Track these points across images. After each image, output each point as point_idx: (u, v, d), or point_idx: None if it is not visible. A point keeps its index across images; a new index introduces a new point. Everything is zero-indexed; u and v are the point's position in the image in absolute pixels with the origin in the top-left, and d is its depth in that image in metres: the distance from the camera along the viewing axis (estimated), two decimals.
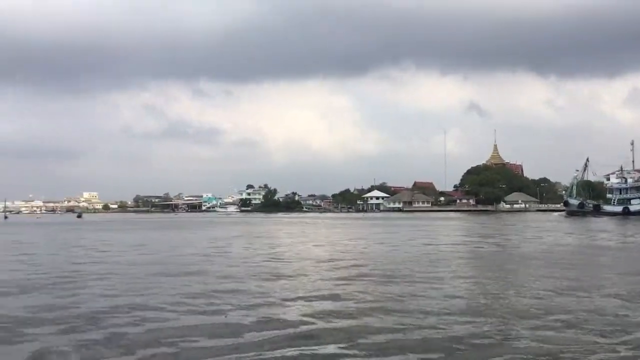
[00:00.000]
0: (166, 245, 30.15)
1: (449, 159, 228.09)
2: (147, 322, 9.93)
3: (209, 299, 12.23)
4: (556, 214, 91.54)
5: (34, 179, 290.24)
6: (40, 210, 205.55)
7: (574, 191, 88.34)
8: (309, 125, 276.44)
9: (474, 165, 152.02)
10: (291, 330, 9.19)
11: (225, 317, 10.34)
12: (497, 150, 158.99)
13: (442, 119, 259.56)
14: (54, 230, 54.13)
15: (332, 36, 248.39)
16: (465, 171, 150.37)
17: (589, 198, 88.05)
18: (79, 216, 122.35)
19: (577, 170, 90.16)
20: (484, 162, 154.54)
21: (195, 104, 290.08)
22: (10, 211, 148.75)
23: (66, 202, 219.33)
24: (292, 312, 10.74)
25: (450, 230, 45.80)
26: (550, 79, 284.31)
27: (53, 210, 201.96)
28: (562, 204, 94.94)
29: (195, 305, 11.49)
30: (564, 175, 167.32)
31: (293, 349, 8.07)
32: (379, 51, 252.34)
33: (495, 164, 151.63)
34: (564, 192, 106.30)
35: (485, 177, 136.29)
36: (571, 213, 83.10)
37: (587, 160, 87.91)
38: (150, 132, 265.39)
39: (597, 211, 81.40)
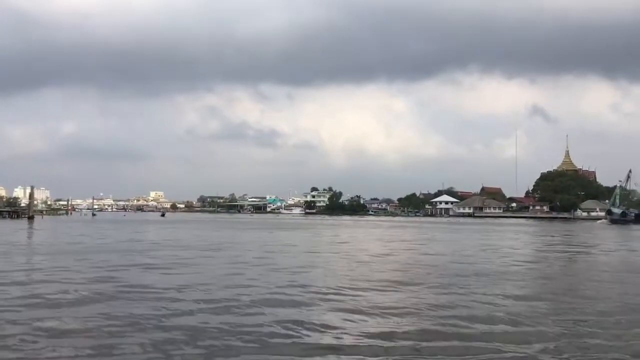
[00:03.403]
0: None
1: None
2: None
3: None
4: (599, 222, 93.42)
5: (102, 178, 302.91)
6: (111, 209, 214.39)
7: (617, 200, 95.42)
8: (369, 129, 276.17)
9: (542, 171, 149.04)
10: None
11: None
12: (569, 156, 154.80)
13: (506, 124, 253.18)
14: (200, 230, 52.00)
15: (400, 41, 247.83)
16: (534, 177, 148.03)
17: (631, 207, 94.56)
18: (163, 215, 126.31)
19: (620, 181, 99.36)
20: (555, 168, 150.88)
21: (257, 107, 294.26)
22: (95, 208, 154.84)
23: (135, 200, 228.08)
24: None
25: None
26: (620, 84, 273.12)
27: (124, 209, 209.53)
28: (605, 212, 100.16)
29: None
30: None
31: None
32: (446, 55, 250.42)
33: (567, 170, 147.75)
34: (607, 201, 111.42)
35: (561, 183, 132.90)
36: (614, 221, 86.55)
37: (630, 171, 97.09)
38: (213, 133, 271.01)
39: (638, 220, 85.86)
